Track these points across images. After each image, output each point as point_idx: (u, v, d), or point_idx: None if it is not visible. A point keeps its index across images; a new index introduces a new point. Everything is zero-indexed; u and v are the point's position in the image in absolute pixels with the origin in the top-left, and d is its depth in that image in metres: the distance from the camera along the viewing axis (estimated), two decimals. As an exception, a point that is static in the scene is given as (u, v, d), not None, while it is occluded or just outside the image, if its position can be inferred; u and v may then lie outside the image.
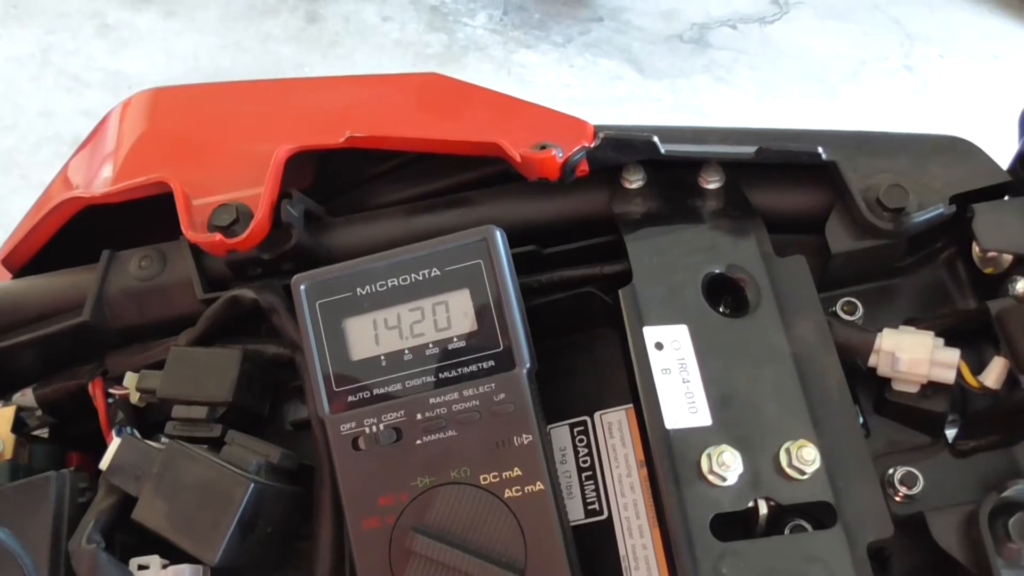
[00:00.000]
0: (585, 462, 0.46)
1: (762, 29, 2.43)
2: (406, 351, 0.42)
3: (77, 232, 0.53)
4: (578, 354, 0.48)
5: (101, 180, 0.49)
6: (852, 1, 2.47)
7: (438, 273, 0.42)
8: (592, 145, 0.44)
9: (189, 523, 0.40)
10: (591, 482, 0.45)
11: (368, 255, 0.43)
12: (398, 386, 0.42)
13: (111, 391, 0.49)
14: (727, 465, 0.38)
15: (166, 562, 0.41)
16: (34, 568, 0.36)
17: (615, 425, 0.46)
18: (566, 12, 2.41)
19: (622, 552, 0.43)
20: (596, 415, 0.46)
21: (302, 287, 0.43)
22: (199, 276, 0.48)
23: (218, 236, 0.45)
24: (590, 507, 0.44)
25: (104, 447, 0.47)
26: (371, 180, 0.53)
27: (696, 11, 2.46)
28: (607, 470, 0.45)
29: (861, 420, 0.43)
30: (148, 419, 0.49)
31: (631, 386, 0.43)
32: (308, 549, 0.44)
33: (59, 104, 2.21)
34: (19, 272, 0.54)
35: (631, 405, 0.45)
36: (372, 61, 2.21)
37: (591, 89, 2.24)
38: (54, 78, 2.28)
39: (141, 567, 0.40)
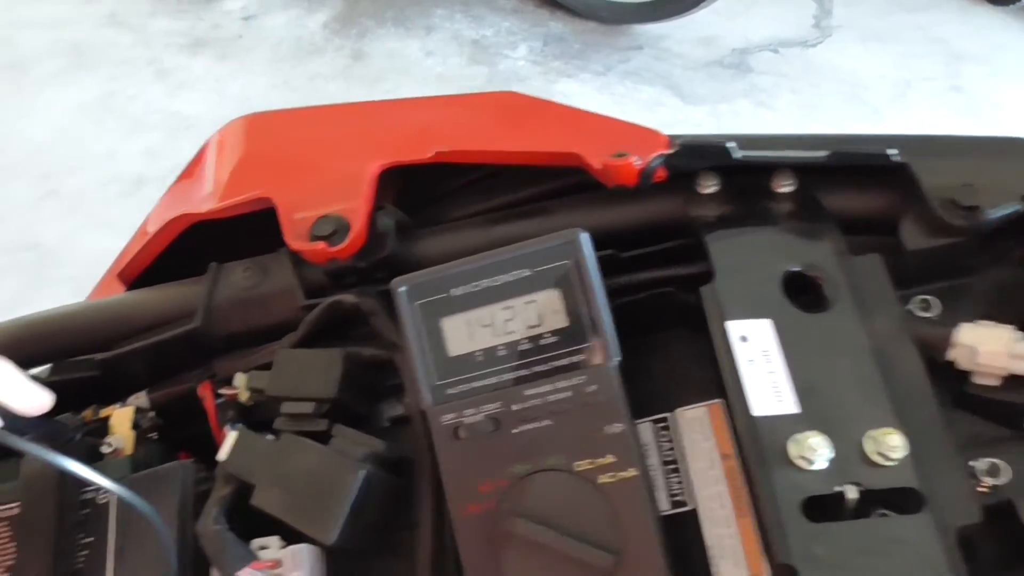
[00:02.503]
0: (668, 456, 0.48)
1: (804, 53, 2.44)
2: (500, 347, 0.45)
3: (182, 248, 0.57)
4: (654, 355, 0.51)
5: (207, 199, 0.54)
6: (895, 23, 2.47)
7: (528, 273, 0.45)
8: (670, 152, 0.47)
9: (305, 507, 0.43)
10: (675, 475, 0.47)
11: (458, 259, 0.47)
12: (494, 379, 0.45)
13: (221, 391, 0.52)
14: (814, 450, 0.40)
15: (284, 543, 0.44)
16: (172, 540, 0.39)
17: (696, 421, 0.48)
18: (605, 41, 2.45)
19: (708, 542, 0.45)
20: (677, 412, 0.48)
21: (402, 289, 0.46)
22: (299, 285, 0.52)
23: (321, 245, 0.49)
24: (675, 499, 0.46)
25: (209, 447, 0.50)
26: (452, 193, 0.57)
27: (736, 37, 2.48)
28: (690, 464, 0.47)
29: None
30: (253, 418, 0.52)
31: (716, 380, 0.45)
32: (406, 538, 0.47)
33: (121, 145, 2.31)
34: (132, 285, 0.59)
35: (713, 401, 0.47)
36: (416, 95, 2.28)
37: (632, 116, 2.27)
38: (116, 121, 2.39)
39: (262, 547, 0.43)
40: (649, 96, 2.30)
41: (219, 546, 0.42)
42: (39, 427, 0.45)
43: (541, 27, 2.40)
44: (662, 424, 0.48)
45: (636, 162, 0.47)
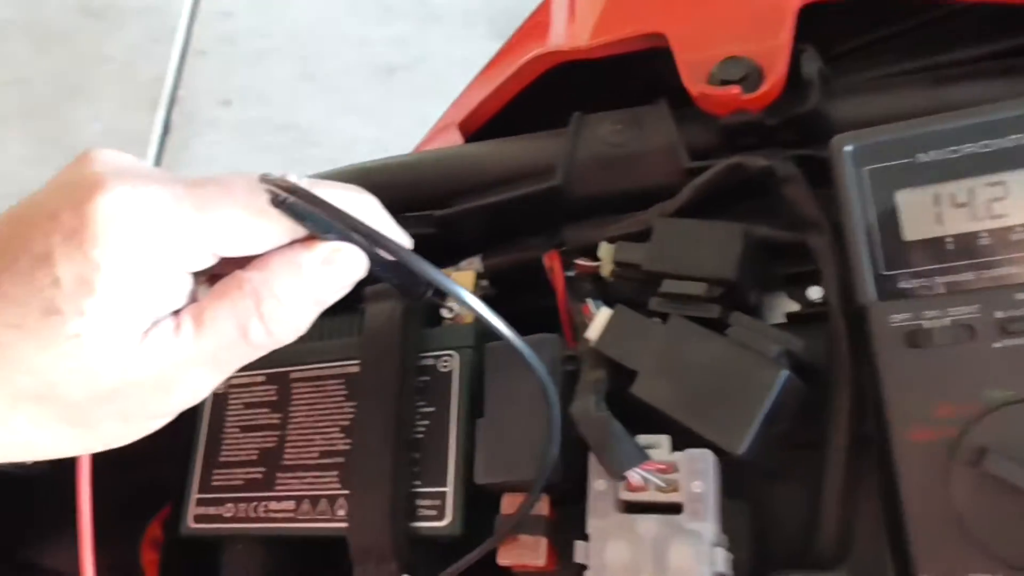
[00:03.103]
0: None
1: None
2: (982, 233, 0.34)
3: (534, 97, 0.50)
4: None
5: (578, 35, 0.46)
6: None
7: (1039, 138, 0.34)
8: None
9: (707, 407, 0.36)
10: None
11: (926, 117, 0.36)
12: (970, 275, 0.34)
13: (579, 262, 0.46)
14: None
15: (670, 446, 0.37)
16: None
17: None
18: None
19: None
20: None
21: (847, 148, 0.36)
22: (683, 143, 0.43)
23: (734, 89, 0.39)
24: None
25: (543, 326, 0.44)
26: (869, 46, 0.45)
27: None
28: None
29: None
30: (610, 296, 0.45)
31: None
32: (804, 457, 0.38)
33: (374, 33, 2.34)
34: (471, 138, 0.53)
35: None
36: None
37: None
38: (370, 9, 2.42)
39: (647, 446, 0.37)
40: None
41: (607, 436, 0.36)
42: (396, 272, 0.40)
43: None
44: None
45: None
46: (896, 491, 0.34)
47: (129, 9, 2.38)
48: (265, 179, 0.31)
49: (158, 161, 2.08)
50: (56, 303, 0.29)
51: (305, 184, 0.32)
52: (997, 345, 0.33)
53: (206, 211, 0.31)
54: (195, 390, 0.33)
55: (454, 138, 0.53)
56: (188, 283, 0.32)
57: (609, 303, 0.42)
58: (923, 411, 0.34)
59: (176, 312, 0.32)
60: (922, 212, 0.35)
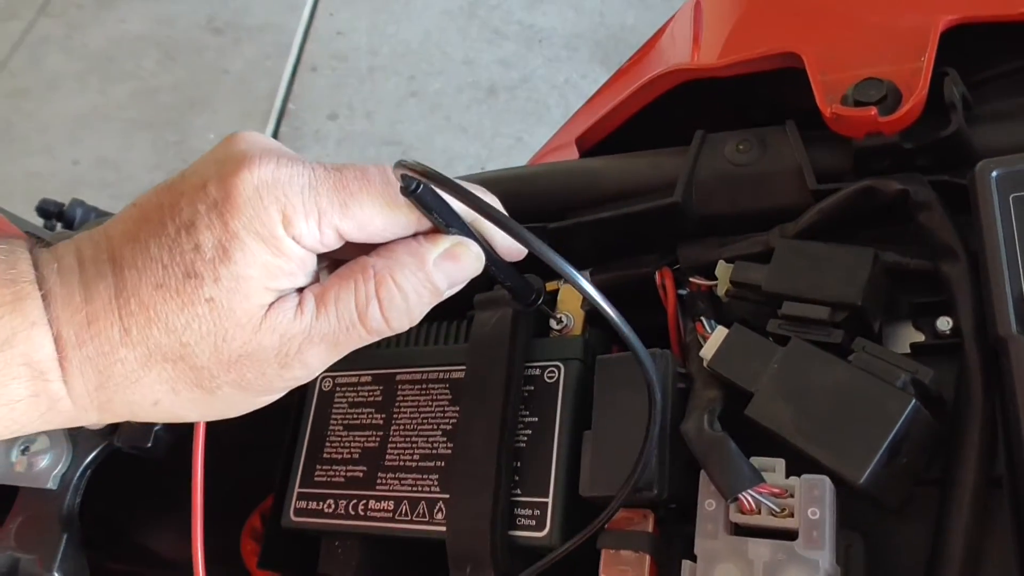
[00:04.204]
0: None
1: None
2: None
3: (654, 116, 0.50)
4: None
5: (706, 53, 0.45)
6: None
7: None
8: None
9: (825, 432, 0.35)
10: None
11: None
12: (1123, 311, 0.32)
13: (694, 280, 0.45)
14: None
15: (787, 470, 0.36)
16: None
17: None
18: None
19: None
20: None
21: (993, 174, 0.35)
22: (810, 164, 0.42)
23: (871, 111, 0.38)
24: None
25: (652, 343, 0.43)
26: (1019, 72, 0.43)
27: None
28: None
29: None
30: (723, 317, 0.44)
31: None
32: (926, 495, 0.37)
33: (480, 54, 2.39)
34: (587, 152, 0.53)
35: None
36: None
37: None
38: (477, 30, 2.47)
39: (762, 469, 0.35)
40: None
41: (722, 456, 0.35)
42: (511, 276, 0.40)
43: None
44: None
45: None
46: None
47: (249, 27, 2.50)
48: (402, 164, 0.32)
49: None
50: (196, 267, 0.30)
51: (438, 178, 0.32)
52: None
53: (342, 195, 0.32)
54: (309, 366, 0.34)
55: (571, 155, 0.53)
56: (314, 263, 0.33)
57: (724, 324, 0.42)
58: (1065, 453, 0.32)
59: (300, 289, 0.33)
60: (1074, 243, 0.33)
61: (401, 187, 0.32)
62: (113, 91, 2.38)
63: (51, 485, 0.51)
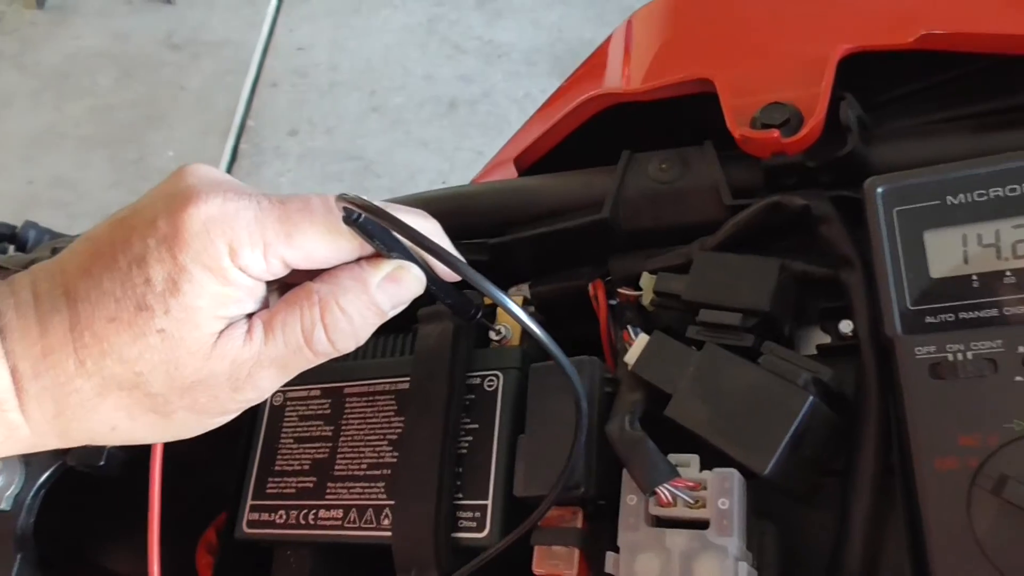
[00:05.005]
0: None
1: None
2: (1007, 272, 0.36)
3: (585, 136, 0.53)
4: None
5: (631, 79, 0.49)
6: None
7: (1066, 184, 0.35)
8: None
9: (736, 428, 0.38)
10: None
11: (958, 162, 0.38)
12: (994, 312, 0.36)
13: (621, 291, 0.48)
14: None
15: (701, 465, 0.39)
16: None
17: None
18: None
19: None
20: None
21: (879, 189, 0.38)
22: (726, 181, 0.46)
23: (773, 133, 0.42)
24: None
25: (589, 350, 0.46)
26: (913, 95, 0.47)
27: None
28: None
29: None
30: (650, 325, 0.47)
31: None
32: (832, 484, 0.40)
33: (440, 69, 2.42)
34: (526, 172, 0.56)
35: None
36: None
37: None
38: (438, 46, 2.49)
39: (678, 465, 0.38)
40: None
41: (640, 454, 0.38)
42: (451, 295, 0.42)
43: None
44: None
45: None
46: (919, 517, 0.35)
47: (208, 43, 2.51)
48: (343, 197, 0.34)
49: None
50: (147, 300, 0.32)
51: (377, 207, 0.35)
52: (1019, 379, 0.34)
53: (286, 226, 0.34)
54: (261, 388, 0.36)
55: (510, 173, 0.56)
56: (262, 290, 0.35)
57: (649, 331, 0.45)
58: (947, 441, 0.35)
59: (250, 316, 0.35)
60: (949, 251, 0.37)
61: (343, 216, 0.34)
62: (69, 108, 2.37)
63: (4, 506, 0.52)
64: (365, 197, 0.34)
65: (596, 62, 0.56)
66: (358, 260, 0.37)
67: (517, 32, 2.45)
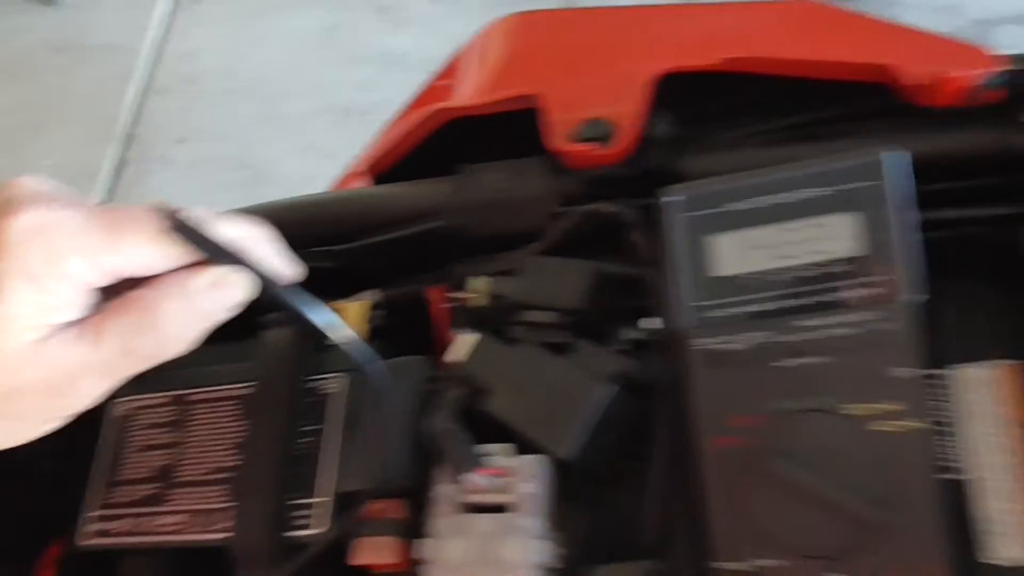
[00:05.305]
0: (943, 418, 0.41)
1: (1054, 26, 2.15)
2: (775, 271, 0.40)
3: (434, 146, 0.56)
4: (943, 302, 0.44)
5: (468, 95, 0.52)
6: None
7: (824, 193, 0.39)
8: (1012, 68, 0.40)
9: (544, 418, 0.41)
10: (949, 439, 0.41)
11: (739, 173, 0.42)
12: (762, 306, 0.40)
13: (455, 295, 0.51)
14: None
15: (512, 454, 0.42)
16: (412, 394, 0.38)
17: (982, 381, 0.41)
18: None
19: (984, 516, 0.38)
20: (958, 368, 0.42)
21: (671, 198, 0.42)
22: (554, 191, 0.49)
23: (587, 147, 0.45)
24: (940, 464, 0.40)
25: (433, 353, 0.49)
26: (728, 111, 0.51)
27: (978, 7, 2.21)
28: (969, 428, 0.40)
29: None
30: (485, 326, 0.50)
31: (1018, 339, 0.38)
32: (633, 469, 0.43)
33: (337, 76, 2.41)
34: (378, 181, 0.58)
35: (1010, 362, 0.40)
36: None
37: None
38: (335, 53, 2.48)
39: (489, 454, 0.41)
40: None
41: (450, 444, 0.40)
42: (283, 302, 0.44)
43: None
44: (933, 380, 0.42)
45: (967, 77, 0.40)
46: (700, 491, 0.39)
47: (94, 47, 2.43)
48: (161, 209, 0.35)
49: (109, 197, 2.11)
50: None
51: (202, 216, 0.36)
52: (781, 364, 0.39)
53: (112, 235, 0.35)
54: (87, 396, 0.37)
55: (363, 181, 0.58)
56: (88, 297, 0.36)
57: (482, 332, 0.47)
58: (723, 422, 0.39)
59: (76, 322, 0.36)
60: (730, 252, 0.41)
61: (170, 224, 0.35)
62: (-57, 114, 2.26)
63: None
64: (194, 209, 0.36)
65: (446, 74, 0.59)
66: (186, 266, 0.38)
67: (414, 41, 2.46)
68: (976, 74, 0.40)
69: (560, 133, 0.47)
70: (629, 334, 0.48)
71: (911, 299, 0.37)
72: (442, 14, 2.52)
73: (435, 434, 0.41)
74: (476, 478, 0.39)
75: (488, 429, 0.43)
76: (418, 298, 0.54)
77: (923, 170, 0.44)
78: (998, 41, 2.10)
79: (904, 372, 0.37)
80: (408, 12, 2.55)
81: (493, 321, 0.49)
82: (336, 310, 0.53)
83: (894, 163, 0.38)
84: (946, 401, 0.41)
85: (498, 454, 0.41)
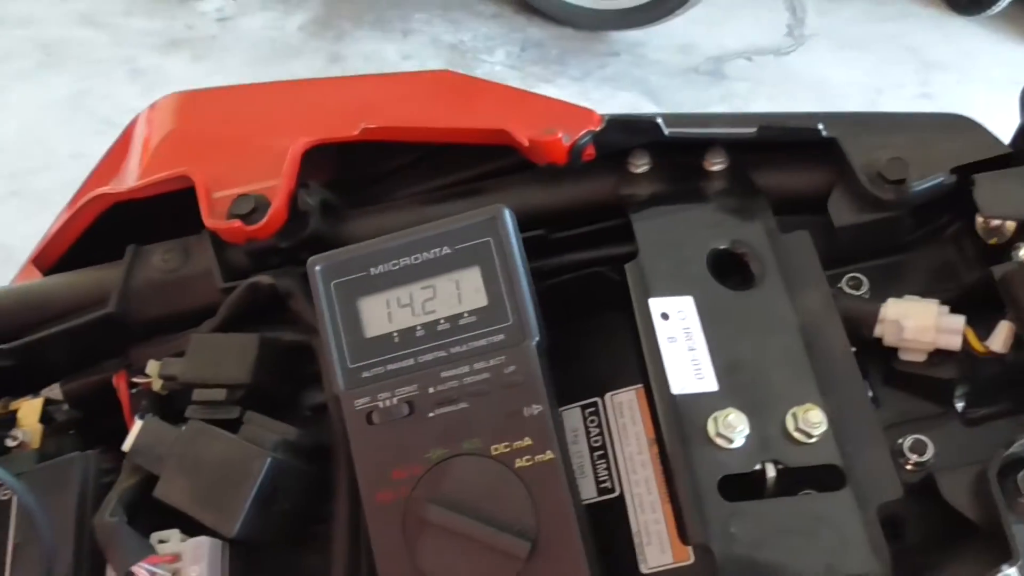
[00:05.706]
0: (596, 442, 0.46)
1: (778, 60, 2.45)
2: (419, 327, 0.43)
3: (107, 231, 0.55)
4: (588, 339, 0.49)
5: (128, 178, 0.52)
6: (867, 31, 2.48)
7: (449, 251, 0.43)
8: (598, 128, 0.46)
9: (209, 498, 0.41)
10: (603, 461, 0.45)
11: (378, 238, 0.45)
12: (411, 361, 0.43)
13: (135, 380, 0.50)
14: (733, 427, 0.38)
15: (185, 536, 0.42)
16: (50, 530, 0.37)
17: (625, 405, 0.46)
18: (583, 47, 2.44)
19: (634, 528, 0.43)
20: (607, 396, 0.47)
21: (317, 268, 0.44)
22: (219, 267, 0.50)
23: (237, 223, 0.47)
24: (602, 485, 0.45)
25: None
26: (387, 175, 0.55)
27: (711, 44, 2.47)
28: (618, 449, 0.45)
29: (870, 393, 0.43)
30: (173, 407, 0.50)
31: (640, 363, 0.44)
32: (322, 530, 0.45)
33: (90, 146, 2.27)
34: (48, 272, 0.56)
35: (641, 385, 0.46)
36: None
37: (609, 121, 2.27)
38: (86, 121, 2.34)
39: (161, 541, 0.41)
40: (626, 101, 2.29)
41: (114, 539, 0.40)
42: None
43: (519, 32, 2.38)
44: (591, 409, 0.47)
45: (565, 139, 0.46)
46: (373, 545, 0.41)
47: None
48: None
49: None
50: None
51: None
52: (432, 414, 0.42)
53: None
54: None
55: (33, 274, 0.56)
56: None
57: (169, 416, 0.47)
58: (384, 476, 0.41)
59: None
60: (377, 314, 0.43)
61: None
62: None
63: None
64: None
65: (113, 157, 0.58)
66: None
67: (173, 105, 2.38)
68: (574, 135, 0.46)
69: (216, 210, 0.48)
70: (315, 399, 0.49)
71: (528, 343, 0.41)
72: (201, 75, 2.46)
73: (99, 530, 0.41)
74: (144, 569, 0.39)
75: (165, 515, 0.43)
76: (103, 387, 0.53)
77: (553, 219, 0.50)
78: (730, 73, 2.36)
79: (533, 409, 0.41)
80: (163, 74, 2.46)
81: (171, 403, 0.49)
82: (12, 409, 0.51)
83: (501, 219, 0.43)
84: (599, 427, 0.46)
85: (169, 540, 0.41)
